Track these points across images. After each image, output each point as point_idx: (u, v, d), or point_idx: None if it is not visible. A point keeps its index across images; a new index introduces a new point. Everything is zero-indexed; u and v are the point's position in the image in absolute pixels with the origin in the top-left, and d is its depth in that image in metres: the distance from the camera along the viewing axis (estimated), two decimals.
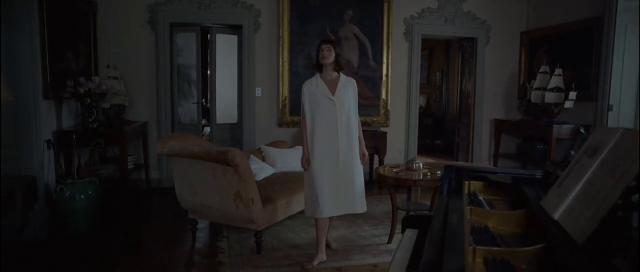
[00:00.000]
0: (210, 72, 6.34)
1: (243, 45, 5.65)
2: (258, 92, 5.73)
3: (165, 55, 5.46)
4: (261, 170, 4.15)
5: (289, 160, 4.45)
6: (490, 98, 6.41)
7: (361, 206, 3.28)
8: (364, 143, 3.36)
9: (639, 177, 0.97)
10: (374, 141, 5.53)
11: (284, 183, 3.86)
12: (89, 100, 4.37)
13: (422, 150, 7.68)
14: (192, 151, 3.33)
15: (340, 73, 3.26)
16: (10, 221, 3.34)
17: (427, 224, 1.51)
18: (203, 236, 3.92)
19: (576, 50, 5.33)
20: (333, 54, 3.17)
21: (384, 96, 6.03)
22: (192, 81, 5.96)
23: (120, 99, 4.98)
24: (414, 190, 4.22)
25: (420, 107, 8.14)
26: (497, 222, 1.43)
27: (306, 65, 5.64)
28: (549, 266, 1.09)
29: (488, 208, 1.58)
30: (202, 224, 4.08)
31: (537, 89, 5.53)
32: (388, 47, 5.93)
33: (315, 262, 3.21)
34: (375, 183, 5.79)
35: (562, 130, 5.16)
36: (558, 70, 5.28)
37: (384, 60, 5.95)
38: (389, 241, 3.70)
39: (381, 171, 3.85)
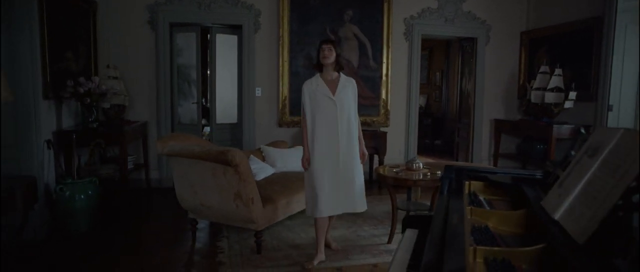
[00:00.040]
0: (210, 72, 6.35)
1: (243, 45, 5.65)
2: (258, 92, 5.73)
3: (165, 55, 5.46)
4: (261, 170, 4.15)
5: (289, 160, 4.45)
6: (490, 98, 6.41)
7: (361, 205, 3.29)
8: (363, 143, 3.37)
9: None
10: (374, 141, 5.53)
11: (284, 183, 3.86)
12: (89, 100, 4.37)
13: (422, 150, 7.68)
14: (192, 151, 3.32)
15: (341, 73, 3.26)
16: (10, 221, 3.34)
17: (428, 224, 1.51)
18: (203, 236, 3.92)
19: (576, 50, 5.33)
20: (334, 54, 3.17)
21: (384, 96, 6.03)
22: (192, 81, 5.96)
23: (120, 99, 4.98)
24: (414, 190, 4.22)
25: (420, 107, 8.14)
26: (498, 223, 1.43)
27: (306, 65, 5.64)
28: (549, 266, 1.09)
29: (488, 208, 1.58)
30: (202, 224, 4.08)
31: (537, 89, 5.53)
32: (388, 47, 5.93)
33: (315, 262, 3.21)
34: (375, 183, 5.79)
35: (562, 130, 5.16)
36: (558, 71, 5.28)
37: (384, 60, 5.95)
38: (389, 241, 3.70)
39: (381, 171, 3.85)
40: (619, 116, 4.80)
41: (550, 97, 5.30)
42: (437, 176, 3.58)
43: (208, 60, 6.57)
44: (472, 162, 6.41)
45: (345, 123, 3.17)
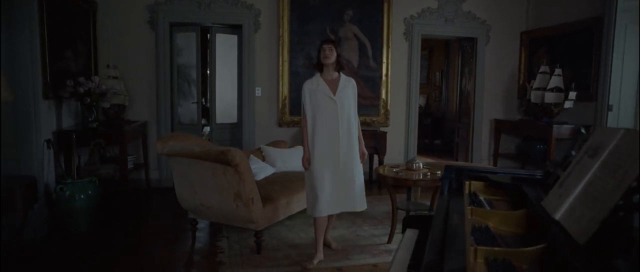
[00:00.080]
0: (210, 72, 6.34)
1: (243, 45, 5.65)
2: (258, 92, 5.73)
3: (165, 55, 5.46)
4: (261, 170, 4.15)
5: (289, 160, 4.45)
6: (490, 98, 6.41)
7: (361, 204, 3.29)
8: (363, 142, 3.37)
9: None
10: (374, 141, 5.53)
11: (284, 183, 3.86)
12: (88, 100, 4.37)
13: (422, 150, 7.68)
14: (192, 151, 3.32)
15: (341, 73, 3.27)
16: (10, 221, 3.33)
17: (428, 224, 1.51)
18: (203, 235, 3.92)
19: (576, 50, 5.33)
20: (334, 54, 3.18)
21: (383, 96, 6.03)
22: (192, 81, 5.96)
23: (120, 98, 4.98)
24: (414, 190, 4.22)
25: (420, 107, 8.14)
26: (498, 223, 1.43)
27: (306, 65, 5.64)
28: (550, 267, 1.09)
29: (489, 208, 1.59)
30: (202, 224, 4.08)
31: (537, 89, 5.53)
32: (388, 47, 5.93)
33: (315, 262, 3.21)
34: (375, 183, 5.79)
35: (561, 130, 5.17)
36: (558, 71, 5.28)
37: (384, 60, 5.95)
38: (389, 241, 3.70)
39: (381, 171, 3.85)
40: (619, 116, 4.80)
41: (550, 97, 5.31)
42: (436, 175, 3.59)
43: (208, 60, 6.57)
44: (471, 162, 6.41)
45: (345, 123, 3.18)
